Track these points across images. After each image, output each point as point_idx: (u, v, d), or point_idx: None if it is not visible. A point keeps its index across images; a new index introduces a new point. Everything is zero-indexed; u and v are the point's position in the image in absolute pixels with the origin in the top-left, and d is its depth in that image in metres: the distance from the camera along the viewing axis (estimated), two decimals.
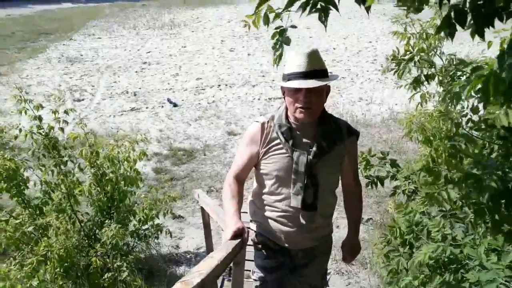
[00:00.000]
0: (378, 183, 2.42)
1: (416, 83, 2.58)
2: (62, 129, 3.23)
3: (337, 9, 1.42)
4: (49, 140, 3.17)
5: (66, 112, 3.32)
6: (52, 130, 3.21)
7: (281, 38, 1.55)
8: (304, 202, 2.01)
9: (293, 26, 1.56)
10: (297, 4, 1.39)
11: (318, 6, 1.39)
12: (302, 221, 2.06)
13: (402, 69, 2.49)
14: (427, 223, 2.06)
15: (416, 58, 2.60)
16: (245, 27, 1.64)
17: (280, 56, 1.72)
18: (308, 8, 1.40)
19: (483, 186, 1.57)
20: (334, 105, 8.20)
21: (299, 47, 1.93)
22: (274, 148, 2.03)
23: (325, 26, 1.51)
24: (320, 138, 2.00)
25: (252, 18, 1.56)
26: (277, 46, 1.56)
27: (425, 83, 2.66)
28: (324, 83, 1.88)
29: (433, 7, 2.21)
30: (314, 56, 1.88)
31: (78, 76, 10.28)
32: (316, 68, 1.88)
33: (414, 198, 2.40)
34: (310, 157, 1.97)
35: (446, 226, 1.99)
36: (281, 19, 1.53)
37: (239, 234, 1.86)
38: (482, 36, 1.25)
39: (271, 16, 1.47)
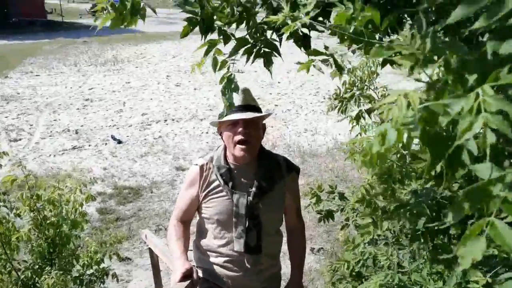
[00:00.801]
0: (329, 218, 2.49)
1: (357, 119, 2.73)
2: None
3: (279, 55, 1.49)
4: None
5: (3, 154, 3.13)
6: None
7: (230, 86, 1.59)
8: (247, 245, 1.98)
9: (240, 71, 1.60)
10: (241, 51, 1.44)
11: (261, 51, 1.45)
12: (247, 264, 2.03)
13: (344, 106, 2.64)
14: (375, 252, 2.11)
15: (356, 94, 2.77)
16: (192, 72, 1.66)
17: (230, 103, 1.75)
18: (252, 57, 1.46)
19: (414, 214, 1.66)
20: (281, 137, 8.36)
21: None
22: (214, 191, 2.01)
23: (271, 73, 1.56)
24: (260, 178, 1.99)
25: (200, 65, 1.59)
26: (226, 93, 1.59)
27: (366, 119, 2.84)
28: (261, 114, 1.93)
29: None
30: (248, 93, 1.96)
31: (15, 115, 9.78)
32: (251, 103, 1.95)
33: (362, 228, 2.47)
34: (250, 198, 1.95)
35: (393, 254, 2.06)
36: (227, 68, 1.57)
37: (188, 275, 1.81)
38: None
39: (219, 58, 1.51)
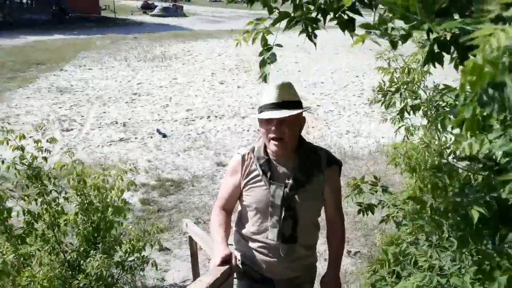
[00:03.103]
0: (369, 211, 2.44)
1: (402, 113, 2.65)
2: (45, 159, 3.21)
3: (323, 27, 1.51)
4: (32, 170, 3.15)
5: (49, 141, 3.31)
6: (35, 160, 3.18)
7: (268, 56, 1.62)
8: (282, 235, 2.02)
9: (279, 45, 1.64)
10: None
11: (307, 26, 1.49)
12: (282, 253, 2.06)
13: (388, 100, 2.56)
14: (414, 253, 2.07)
15: (402, 89, 2.69)
16: (236, 46, 1.72)
17: (265, 75, 1.78)
18: (291, 24, 1.50)
19: (469, 213, 1.60)
20: (322, 137, 8.30)
21: (277, 79, 2.01)
22: (253, 180, 2.06)
23: (315, 44, 1.59)
24: (298, 170, 2.01)
25: (247, 38, 1.63)
26: (265, 64, 1.63)
27: (410, 115, 2.74)
28: (294, 112, 1.91)
29: (415, 42, 2.30)
30: (285, 88, 1.95)
31: (68, 106, 10.29)
32: (287, 99, 1.93)
33: (402, 225, 2.42)
34: (287, 189, 1.98)
35: (433, 256, 2.01)
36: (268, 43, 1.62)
37: (227, 260, 1.86)
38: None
39: (268, 38, 1.56)
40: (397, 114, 2.70)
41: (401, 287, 1.88)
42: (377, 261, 2.25)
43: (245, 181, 2.06)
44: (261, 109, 1.96)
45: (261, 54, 1.64)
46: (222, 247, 1.91)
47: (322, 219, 2.27)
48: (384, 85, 2.75)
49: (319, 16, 1.52)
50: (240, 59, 16.13)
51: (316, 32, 1.55)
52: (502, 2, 0.78)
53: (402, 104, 2.70)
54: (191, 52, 18.41)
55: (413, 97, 2.62)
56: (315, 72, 14.10)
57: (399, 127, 2.91)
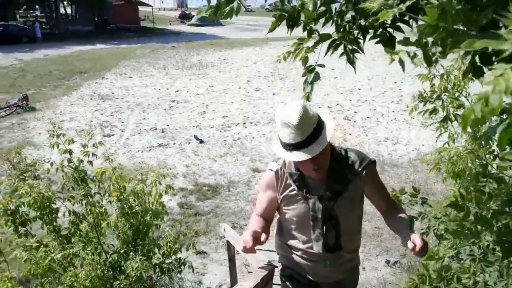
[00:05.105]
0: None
1: (445, 121, 2.57)
2: (91, 162, 3.32)
3: (362, 52, 1.50)
4: (78, 173, 3.26)
5: (95, 145, 3.43)
6: (81, 163, 3.30)
7: (312, 76, 1.61)
8: (326, 245, 1.99)
9: (321, 65, 1.63)
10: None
11: (347, 48, 1.47)
12: (327, 261, 2.04)
13: (431, 109, 2.49)
14: (456, 269, 1.99)
15: (444, 97, 2.61)
16: (276, 61, 1.72)
17: (309, 94, 1.75)
18: (332, 48, 1.49)
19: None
20: (360, 145, 8.17)
21: (286, 106, 1.84)
22: (290, 194, 2.01)
23: (354, 69, 1.56)
24: (333, 181, 1.95)
25: (287, 55, 1.64)
26: (308, 84, 1.62)
27: (453, 123, 2.65)
28: (323, 146, 1.80)
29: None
30: (304, 122, 1.78)
31: (109, 112, 10.64)
32: (310, 132, 1.79)
33: (443, 238, 2.33)
34: (326, 201, 1.94)
35: (477, 272, 1.92)
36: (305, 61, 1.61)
37: (256, 237, 1.77)
38: None
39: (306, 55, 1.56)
40: (440, 122, 2.62)
41: None
42: (418, 276, 2.18)
43: (282, 196, 2.03)
44: (287, 147, 1.83)
45: (304, 74, 1.63)
46: (250, 229, 1.84)
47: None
48: (425, 92, 2.69)
49: (359, 35, 1.50)
50: (275, 66, 16.17)
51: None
52: None
53: (444, 112, 2.62)
54: (227, 60, 18.65)
55: (456, 105, 2.53)
56: (351, 79, 13.93)
57: (441, 134, 2.82)
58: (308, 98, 1.70)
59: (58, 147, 3.23)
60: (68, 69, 16.58)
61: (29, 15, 38.78)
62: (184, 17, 42.59)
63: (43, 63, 17.97)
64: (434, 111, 2.52)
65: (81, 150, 3.32)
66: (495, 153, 2.47)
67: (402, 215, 2.00)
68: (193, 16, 40.86)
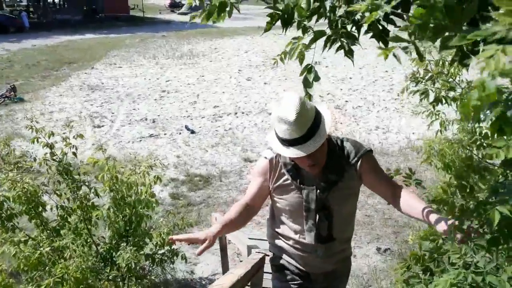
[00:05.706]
0: None
1: (436, 102, 2.56)
2: (74, 154, 3.29)
3: (359, 44, 1.50)
4: (62, 166, 3.24)
5: (78, 137, 3.40)
6: (65, 156, 3.27)
7: (311, 76, 1.59)
8: (319, 236, 1.99)
9: (317, 63, 1.63)
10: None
11: (341, 43, 1.47)
12: (319, 252, 2.05)
13: (422, 90, 2.47)
14: (448, 250, 2.01)
15: (436, 80, 2.59)
16: (274, 64, 1.70)
17: (310, 95, 1.72)
18: (328, 45, 1.47)
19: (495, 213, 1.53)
20: (351, 133, 8.19)
21: (282, 100, 1.81)
22: (284, 184, 2.00)
23: (352, 62, 1.55)
24: (328, 171, 1.94)
25: (283, 57, 1.63)
26: (308, 84, 1.59)
27: (443, 105, 2.64)
28: (321, 142, 1.78)
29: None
30: (301, 117, 1.75)
31: (99, 103, 10.54)
32: (307, 128, 1.77)
33: None
34: (320, 192, 1.93)
35: (468, 253, 1.94)
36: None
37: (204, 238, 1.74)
38: None
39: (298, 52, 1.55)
40: (430, 103, 2.60)
41: (435, 285, 1.83)
42: (411, 256, 2.20)
43: (275, 185, 2.01)
44: (283, 143, 1.81)
45: (302, 73, 1.60)
46: (208, 230, 1.81)
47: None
48: (418, 73, 2.66)
49: (354, 29, 1.49)
50: (267, 55, 16.09)
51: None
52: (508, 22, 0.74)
53: (436, 94, 2.60)
54: (218, 50, 18.51)
55: (448, 88, 2.53)
56: (343, 68, 13.91)
57: (433, 121, 2.81)
58: (310, 98, 1.68)
59: (38, 142, 3.20)
60: (56, 59, 16.36)
61: (15, 4, 38.08)
62: (174, 6, 42.05)
63: (31, 53, 17.69)
64: (425, 92, 2.49)
65: (64, 143, 3.30)
66: (479, 142, 2.46)
67: (416, 199, 1.86)
68: (183, 5, 40.38)
